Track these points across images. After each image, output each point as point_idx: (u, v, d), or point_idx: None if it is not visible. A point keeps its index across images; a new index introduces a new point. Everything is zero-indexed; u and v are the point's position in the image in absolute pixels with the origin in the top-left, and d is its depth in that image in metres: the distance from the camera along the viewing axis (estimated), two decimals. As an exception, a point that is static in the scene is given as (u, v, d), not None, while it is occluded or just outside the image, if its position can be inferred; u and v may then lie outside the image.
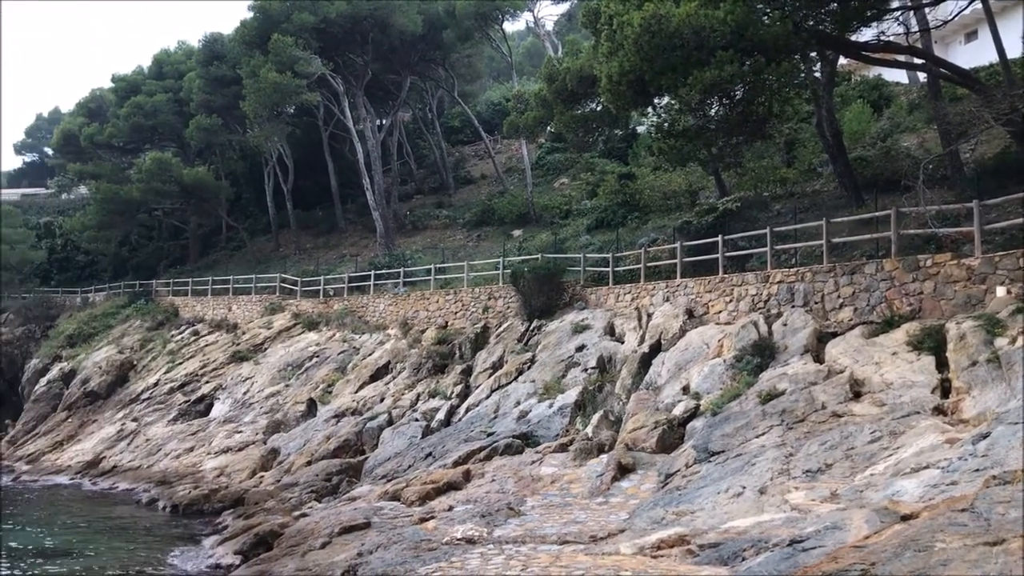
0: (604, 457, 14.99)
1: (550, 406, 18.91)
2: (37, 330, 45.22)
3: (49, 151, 69.18)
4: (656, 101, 19.56)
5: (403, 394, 24.47)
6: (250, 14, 40.64)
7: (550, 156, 44.15)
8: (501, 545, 10.71)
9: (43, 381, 37.95)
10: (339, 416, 24.40)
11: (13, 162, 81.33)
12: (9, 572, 16.13)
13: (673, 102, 18.47)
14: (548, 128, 32.83)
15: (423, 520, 13.36)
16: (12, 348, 44.52)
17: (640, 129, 35.66)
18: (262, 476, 22.66)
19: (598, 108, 24.87)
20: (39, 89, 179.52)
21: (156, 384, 33.02)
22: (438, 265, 30.83)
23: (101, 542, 18.52)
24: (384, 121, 46.21)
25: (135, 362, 36.26)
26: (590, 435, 16.42)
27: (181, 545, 17.72)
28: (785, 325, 16.57)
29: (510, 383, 21.39)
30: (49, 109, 77.69)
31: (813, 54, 20.23)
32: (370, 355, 28.25)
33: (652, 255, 22.67)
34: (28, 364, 41.19)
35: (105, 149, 50.77)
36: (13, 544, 18.65)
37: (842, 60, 25.03)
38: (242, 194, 50.59)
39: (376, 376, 26.60)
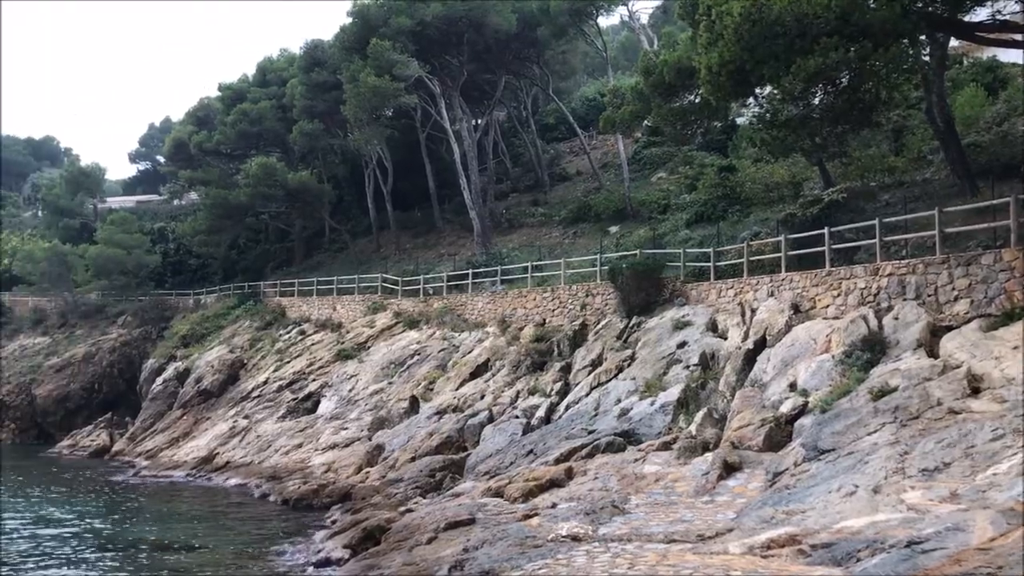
0: (709, 455, 14.76)
1: (652, 404, 18.73)
2: (153, 331, 47.28)
3: (161, 159, 72.33)
4: (757, 91, 19.14)
5: (503, 391, 24.63)
6: (349, 20, 41.57)
7: (647, 150, 43.72)
8: (607, 543, 10.67)
9: (159, 380, 39.62)
10: (441, 413, 24.74)
11: (128, 171, 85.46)
12: (133, 563, 16.94)
13: (775, 92, 18.02)
14: (645, 122, 32.46)
15: (527, 517, 13.41)
16: (130, 349, 46.63)
17: (740, 120, 34.96)
18: (368, 472, 23.16)
19: (696, 100, 24.46)
20: (151, 100, 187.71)
21: (265, 382, 34.13)
22: (535, 263, 30.90)
23: (217, 535, 19.27)
24: (480, 121, 46.58)
25: (245, 361, 37.55)
26: (694, 433, 16.20)
27: (292, 538, 18.28)
28: (896, 319, 15.98)
29: (610, 380, 21.28)
30: (160, 119, 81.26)
31: (922, 37, 19.42)
32: (469, 353, 28.53)
33: (755, 249, 22.18)
34: (145, 364, 43.08)
35: (213, 156, 52.70)
36: (136, 536, 19.58)
37: (953, 42, 23.96)
38: (344, 196, 51.77)
39: (476, 373, 26.85)
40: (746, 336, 19.42)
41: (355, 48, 39.83)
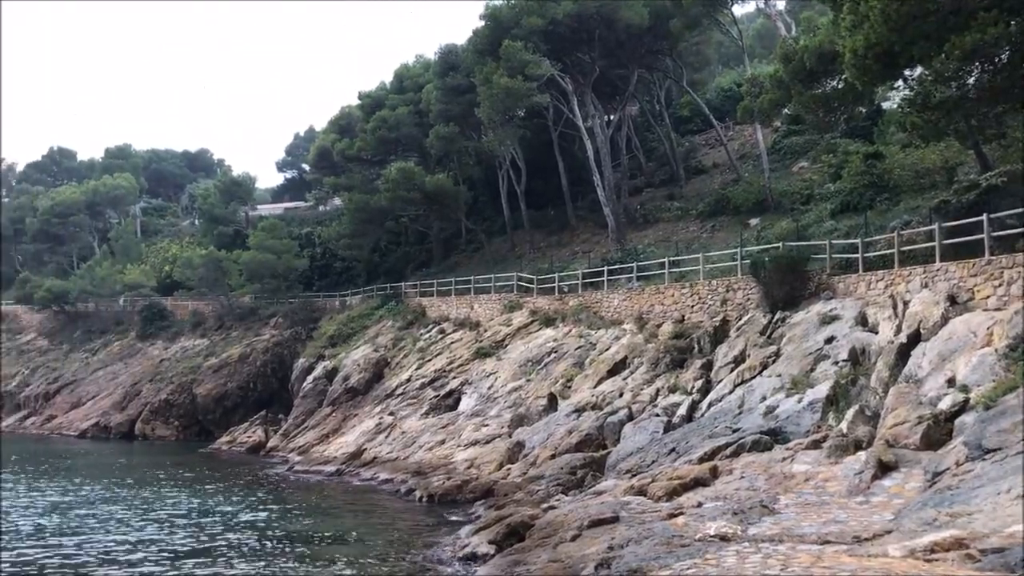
0: (862, 454, 14.19)
1: (799, 401, 18.16)
2: (303, 332, 49.35)
3: (306, 167, 75.42)
4: (907, 73, 18.25)
5: (642, 389, 24.41)
6: (481, 23, 42.15)
7: (787, 140, 42.39)
8: (757, 543, 10.42)
9: (309, 379, 41.30)
10: (579, 411, 24.74)
11: (275, 179, 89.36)
12: (291, 554, 17.74)
13: (926, 73, 17.17)
14: (784, 111, 31.52)
15: (672, 516, 13.26)
16: (281, 349, 48.83)
17: (886, 105, 33.41)
18: (509, 468, 23.43)
19: (840, 85, 23.53)
20: (296, 111, 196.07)
21: (408, 380, 35.05)
22: (672, 258, 30.47)
23: (368, 528, 19.94)
24: (612, 116, 46.33)
25: (389, 360, 38.68)
26: (845, 431, 15.60)
27: (438, 533, 18.71)
28: (1068, 310, 14.90)
29: (754, 377, 20.76)
30: (304, 128, 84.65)
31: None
32: (607, 350, 28.42)
33: (906, 238, 21.15)
34: (296, 363, 45.00)
35: (355, 162, 54.53)
36: (292, 528, 20.50)
37: None
38: (479, 197, 52.56)
39: (614, 371, 26.72)
40: (899, 330, 18.54)
41: (488, 50, 40.37)
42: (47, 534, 19.72)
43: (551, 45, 39.45)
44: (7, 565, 16.51)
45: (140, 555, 17.44)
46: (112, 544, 18.55)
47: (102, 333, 60.41)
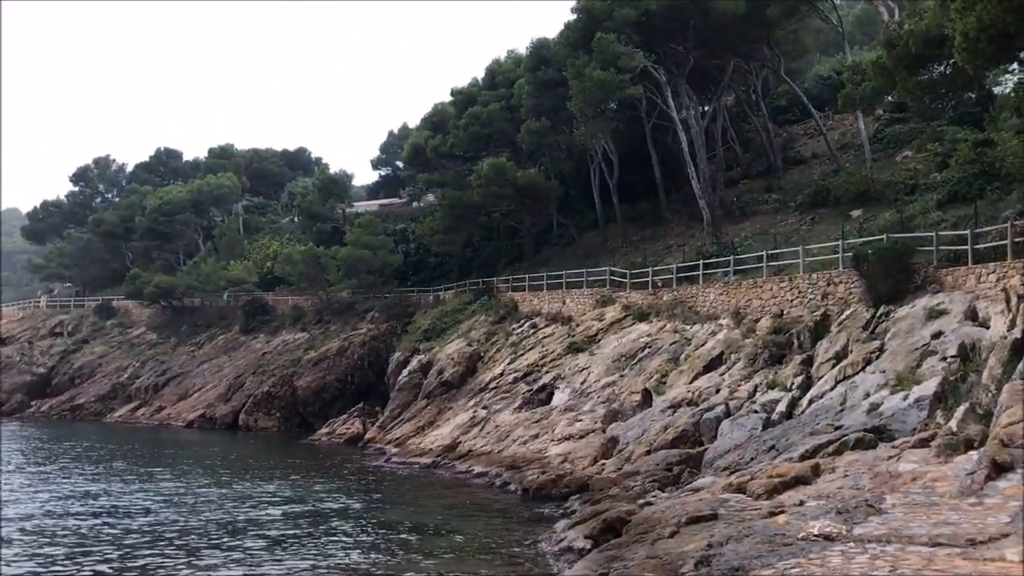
0: (974, 454, 13.62)
1: (904, 398, 17.58)
2: (398, 326, 50.17)
3: (400, 164, 76.53)
4: (1022, 55, 17.41)
5: (739, 385, 24.00)
6: (573, 16, 41.99)
7: (890, 128, 40.94)
8: (863, 544, 10.13)
9: (404, 372, 41.95)
10: (675, 407, 24.50)
11: (371, 176, 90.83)
12: (390, 544, 18.10)
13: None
14: (887, 98, 30.48)
15: (772, 514, 12.99)
16: (378, 343, 49.73)
17: (997, 90, 31.94)
18: (603, 464, 23.36)
19: (947, 71, 22.63)
20: (390, 110, 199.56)
21: (501, 374, 35.27)
22: (770, 251, 29.82)
23: (463, 521, 20.18)
24: (707, 107, 45.56)
25: (482, 354, 39.00)
26: (954, 429, 15.01)
27: (534, 526, 18.80)
28: None
29: (856, 374, 20.17)
30: (398, 126, 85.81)
31: None
32: (702, 345, 28.04)
33: (1020, 229, 20.21)
34: (392, 357, 45.78)
35: (447, 159, 55.07)
36: (390, 519, 20.91)
37: None
38: (570, 191, 52.40)
39: (710, 367, 26.35)
40: (1012, 324, 17.72)
41: (580, 44, 40.20)
42: (155, 514, 20.59)
43: (644, 36, 39.02)
44: (121, 536, 17.32)
45: (239, 539, 18.05)
46: (214, 526, 19.25)
47: (207, 327, 62.62)
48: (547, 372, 33.34)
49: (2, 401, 60.19)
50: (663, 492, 18.36)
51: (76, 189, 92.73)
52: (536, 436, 28.42)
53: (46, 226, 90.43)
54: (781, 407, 21.09)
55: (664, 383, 27.08)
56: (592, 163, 47.74)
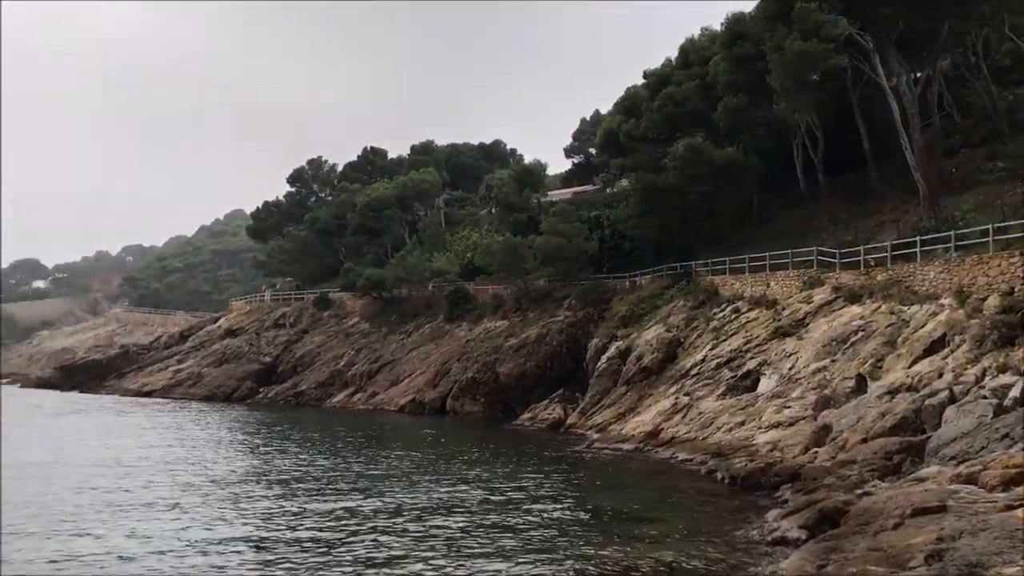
0: None
1: None
2: (595, 313, 50.35)
3: (593, 151, 76.66)
4: None
5: (965, 369, 22.29)
6: (770, -13, 40.33)
7: None
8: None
9: (603, 358, 42.04)
10: (892, 392, 23.13)
11: (564, 164, 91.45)
12: (594, 528, 18.22)
13: None
14: None
15: (1010, 508, 12.04)
16: (575, 329, 50.14)
17: None
18: (815, 452, 22.44)
19: None
20: (583, 98, 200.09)
21: (703, 360, 34.61)
22: (997, 224, 27.45)
23: (669, 507, 20.02)
24: (919, 73, 42.48)
25: (681, 340, 38.42)
26: None
27: (743, 515, 18.36)
28: None
29: (1105, 355, 18.25)
30: (590, 113, 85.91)
31: None
32: (921, 327, 26.27)
33: None
34: (590, 343, 46.01)
35: (641, 142, 54.51)
36: (594, 503, 21.06)
37: None
38: (770, 169, 50.52)
39: (930, 350, 24.63)
40: None
41: (778, 15, 38.54)
42: (369, 488, 21.78)
43: (847, 2, 36.86)
44: (327, 511, 18.46)
45: (444, 518, 18.76)
46: (423, 504, 20.10)
47: (414, 316, 65.43)
48: (752, 358, 32.38)
49: (234, 388, 65.67)
50: (882, 482, 17.42)
51: (293, 190, 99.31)
52: (742, 423, 27.70)
53: (268, 225, 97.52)
54: (1015, 392, 19.39)
55: (879, 368, 25.64)
56: (794, 138, 45.84)
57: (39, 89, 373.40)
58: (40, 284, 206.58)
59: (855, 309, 30.74)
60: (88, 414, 51.44)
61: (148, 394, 68.55)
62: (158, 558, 15.54)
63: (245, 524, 18.65)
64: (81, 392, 73.69)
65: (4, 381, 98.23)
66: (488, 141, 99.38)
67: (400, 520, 18.87)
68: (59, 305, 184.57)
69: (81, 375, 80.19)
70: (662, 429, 30.92)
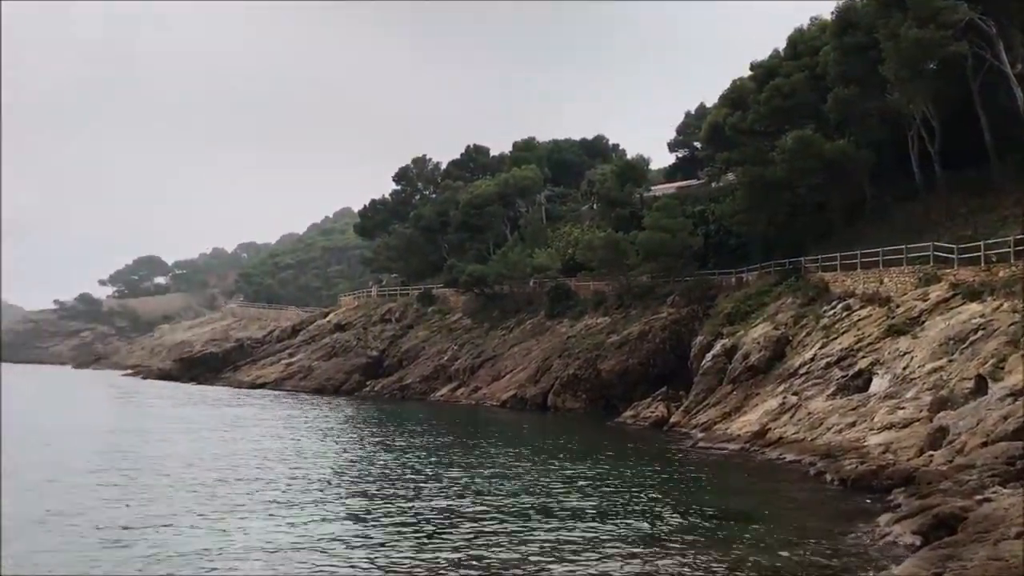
0: None
1: None
2: (699, 310, 49.60)
3: (697, 145, 75.40)
4: None
5: (1097, 371, 21.06)
6: (884, -26, 38.93)
7: None
8: None
9: (708, 356, 41.37)
10: (1015, 394, 21.98)
11: (667, 159, 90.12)
12: (696, 528, 18.01)
13: None
14: None
15: None
16: (679, 327, 49.51)
17: None
18: (931, 455, 21.57)
19: None
20: (687, 91, 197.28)
21: (812, 359, 33.67)
22: None
23: (776, 509, 19.62)
24: (1048, 58, 40.27)
25: (790, 338, 37.47)
26: None
27: (853, 519, 17.83)
28: None
29: None
30: (695, 106, 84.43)
31: None
32: (1049, 326, 24.93)
33: None
34: (694, 341, 45.33)
35: (747, 135, 53.33)
36: (697, 503, 20.80)
37: None
38: (883, 162, 48.72)
39: (1059, 350, 23.37)
40: None
41: (893, 2, 37.24)
42: (470, 484, 22.04)
43: (971, -14, 35.32)
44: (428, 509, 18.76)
45: (551, 514, 18.80)
46: (528, 500, 20.22)
47: (516, 312, 65.84)
48: (863, 357, 31.33)
49: (342, 381, 67.50)
50: (1004, 488, 16.60)
51: (398, 188, 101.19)
52: (853, 424, 26.87)
53: (374, 223, 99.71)
54: None
55: (1002, 368, 24.43)
56: (909, 130, 44.06)
57: (165, 102, 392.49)
58: (161, 280, 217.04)
59: (974, 307, 29.39)
60: (222, 407, 53.75)
61: (261, 386, 71.18)
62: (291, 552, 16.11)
63: (380, 516, 19.18)
64: (198, 384, 77.08)
65: (128, 372, 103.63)
66: (590, 136, 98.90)
67: (501, 516, 19.03)
68: (178, 300, 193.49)
69: (199, 367, 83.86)
70: (769, 429, 30.26)
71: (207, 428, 38.51)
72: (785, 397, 32.14)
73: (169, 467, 26.30)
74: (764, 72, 53.08)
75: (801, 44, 52.26)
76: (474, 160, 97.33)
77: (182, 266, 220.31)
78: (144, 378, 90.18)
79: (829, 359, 32.76)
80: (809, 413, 29.61)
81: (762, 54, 58.08)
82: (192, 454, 29.44)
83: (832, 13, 46.99)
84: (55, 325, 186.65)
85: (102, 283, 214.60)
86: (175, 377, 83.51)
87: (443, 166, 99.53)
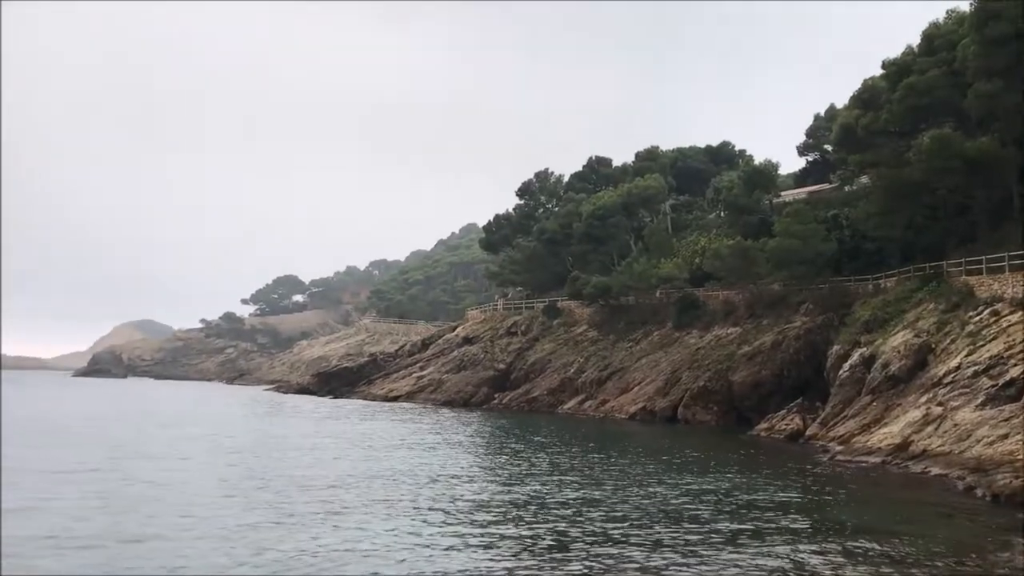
0: None
1: None
2: (835, 318, 47.97)
3: (828, 147, 73.02)
4: None
5: None
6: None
7: None
8: None
9: (845, 366, 39.98)
10: None
11: (797, 163, 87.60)
12: (832, 544, 17.45)
13: None
14: None
15: None
16: (813, 336, 48.06)
17: None
18: (1094, 470, 20.25)
19: None
20: (815, 94, 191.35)
21: (958, 367, 32.06)
22: None
23: (918, 526, 18.81)
24: None
25: (932, 345, 35.79)
26: None
27: (1008, 537, 16.95)
28: None
29: None
30: (824, 108, 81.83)
31: None
32: None
33: None
34: (830, 350, 43.87)
35: (881, 136, 51.40)
36: (836, 518, 20.15)
37: None
38: (1032, 158, 46.04)
39: None
40: None
41: (1038, -10, 35.21)
42: (604, 493, 22.01)
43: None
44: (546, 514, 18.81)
45: (676, 525, 18.57)
46: (657, 512, 20.04)
47: (642, 324, 65.33)
48: (1015, 364, 29.62)
49: (471, 394, 68.57)
50: None
51: (522, 202, 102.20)
52: (1005, 436, 25.45)
53: (499, 237, 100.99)
54: None
55: None
56: (1060, 123, 41.51)
57: (318, 132, 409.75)
58: (299, 298, 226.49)
59: None
60: (373, 420, 55.57)
61: (394, 399, 73.18)
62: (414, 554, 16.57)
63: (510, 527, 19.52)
64: (334, 397, 79.89)
65: (270, 387, 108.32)
66: (715, 143, 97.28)
67: (628, 527, 18.96)
68: (315, 317, 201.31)
69: (335, 381, 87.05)
70: (912, 441, 29.02)
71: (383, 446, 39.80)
72: (929, 408, 30.74)
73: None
74: (897, 70, 51.10)
75: (938, 39, 50.07)
76: (596, 171, 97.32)
77: (318, 284, 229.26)
78: (284, 392, 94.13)
79: (977, 367, 31.13)
80: (956, 424, 28.23)
81: (895, 51, 55.94)
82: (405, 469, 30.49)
83: (971, 4, 44.83)
84: (202, 343, 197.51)
85: (244, 302, 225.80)
86: (313, 391, 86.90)
87: (566, 179, 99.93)
